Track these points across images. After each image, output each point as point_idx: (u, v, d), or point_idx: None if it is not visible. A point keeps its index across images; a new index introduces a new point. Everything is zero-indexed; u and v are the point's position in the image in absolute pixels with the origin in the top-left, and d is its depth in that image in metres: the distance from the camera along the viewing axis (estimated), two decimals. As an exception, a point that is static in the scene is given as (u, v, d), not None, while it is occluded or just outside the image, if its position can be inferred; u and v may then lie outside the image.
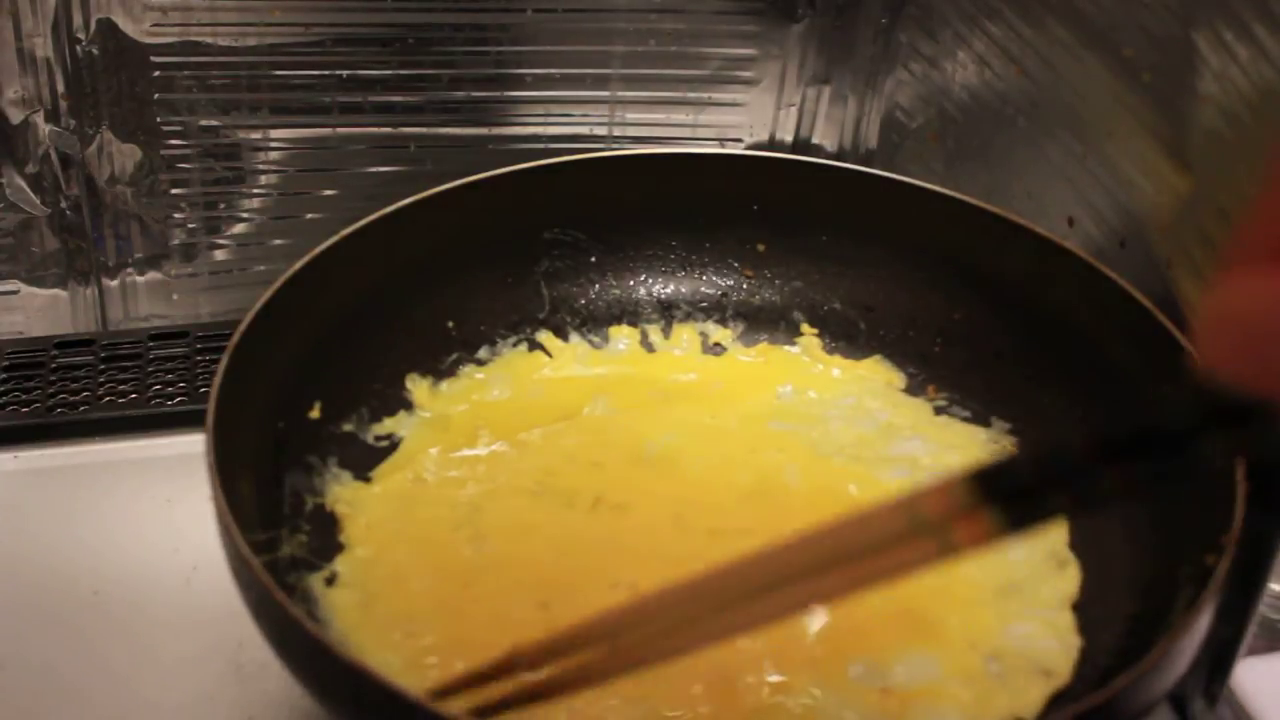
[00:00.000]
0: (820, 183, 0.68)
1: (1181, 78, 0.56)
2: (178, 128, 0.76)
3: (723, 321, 0.69)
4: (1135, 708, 0.44)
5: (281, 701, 0.55)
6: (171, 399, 0.71)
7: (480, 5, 0.77)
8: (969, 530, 0.33)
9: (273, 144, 0.78)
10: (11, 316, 0.78)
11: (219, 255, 0.80)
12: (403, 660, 0.50)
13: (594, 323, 0.68)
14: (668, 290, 0.69)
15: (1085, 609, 0.54)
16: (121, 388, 0.71)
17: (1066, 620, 0.53)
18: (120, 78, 0.73)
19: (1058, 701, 0.50)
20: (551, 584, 0.53)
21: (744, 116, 0.85)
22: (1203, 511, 0.50)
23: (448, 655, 0.50)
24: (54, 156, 0.74)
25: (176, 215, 0.78)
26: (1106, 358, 0.59)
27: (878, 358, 0.67)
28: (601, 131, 0.83)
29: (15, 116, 0.73)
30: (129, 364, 0.73)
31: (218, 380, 0.50)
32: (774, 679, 0.50)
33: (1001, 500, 0.32)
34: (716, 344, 0.69)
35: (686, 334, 0.69)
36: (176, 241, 0.79)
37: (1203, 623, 0.45)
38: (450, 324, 0.65)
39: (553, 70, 0.80)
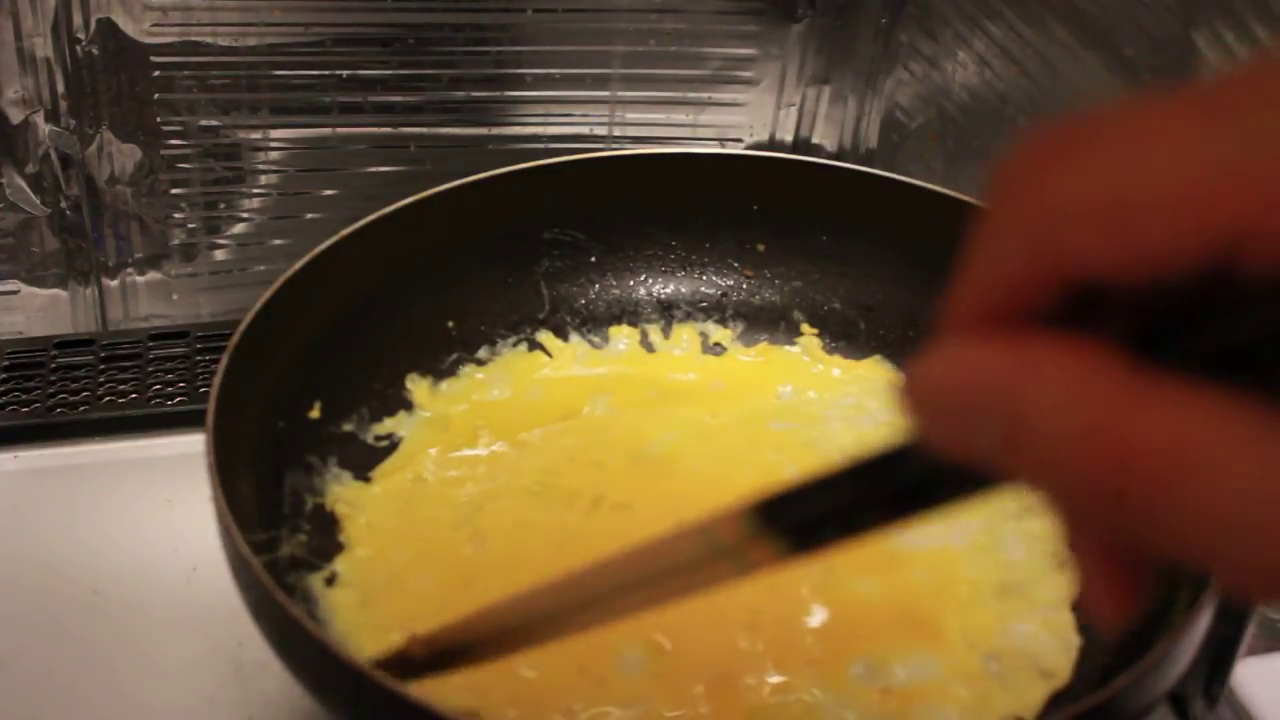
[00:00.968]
0: (820, 183, 0.68)
1: (1181, 77, 0.56)
2: (178, 128, 0.76)
3: (723, 321, 0.69)
4: (1135, 707, 0.44)
5: (281, 701, 0.55)
6: (171, 399, 0.71)
7: (480, 5, 0.77)
8: (761, 553, 0.34)
9: (273, 144, 0.78)
10: (11, 316, 0.78)
11: (219, 255, 0.80)
12: (403, 660, 0.50)
13: (594, 323, 0.68)
14: (668, 290, 0.69)
15: (1084, 608, 0.54)
16: (121, 388, 0.71)
17: (1066, 620, 0.53)
18: (120, 78, 0.73)
19: (1058, 701, 0.50)
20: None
21: (744, 116, 0.85)
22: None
23: (448, 655, 0.50)
24: (54, 156, 0.74)
25: (176, 215, 0.78)
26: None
27: (878, 358, 0.67)
28: (601, 131, 0.83)
29: (15, 116, 0.73)
30: (129, 364, 0.73)
31: (218, 380, 0.50)
32: (774, 679, 0.50)
33: (781, 530, 0.33)
34: (716, 344, 0.69)
35: (686, 334, 0.69)
36: (176, 241, 0.79)
37: (1203, 622, 0.45)
38: (450, 324, 0.65)
39: (553, 70, 0.80)
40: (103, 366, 0.73)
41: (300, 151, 0.79)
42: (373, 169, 0.80)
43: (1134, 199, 0.22)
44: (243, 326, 0.53)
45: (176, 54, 0.74)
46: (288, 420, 0.56)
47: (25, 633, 0.58)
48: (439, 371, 0.64)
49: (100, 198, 0.76)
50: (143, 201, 0.77)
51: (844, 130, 0.87)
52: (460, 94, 0.80)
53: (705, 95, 0.83)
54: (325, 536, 0.55)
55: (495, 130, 0.81)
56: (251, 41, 0.75)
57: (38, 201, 0.75)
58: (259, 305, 0.54)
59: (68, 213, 0.76)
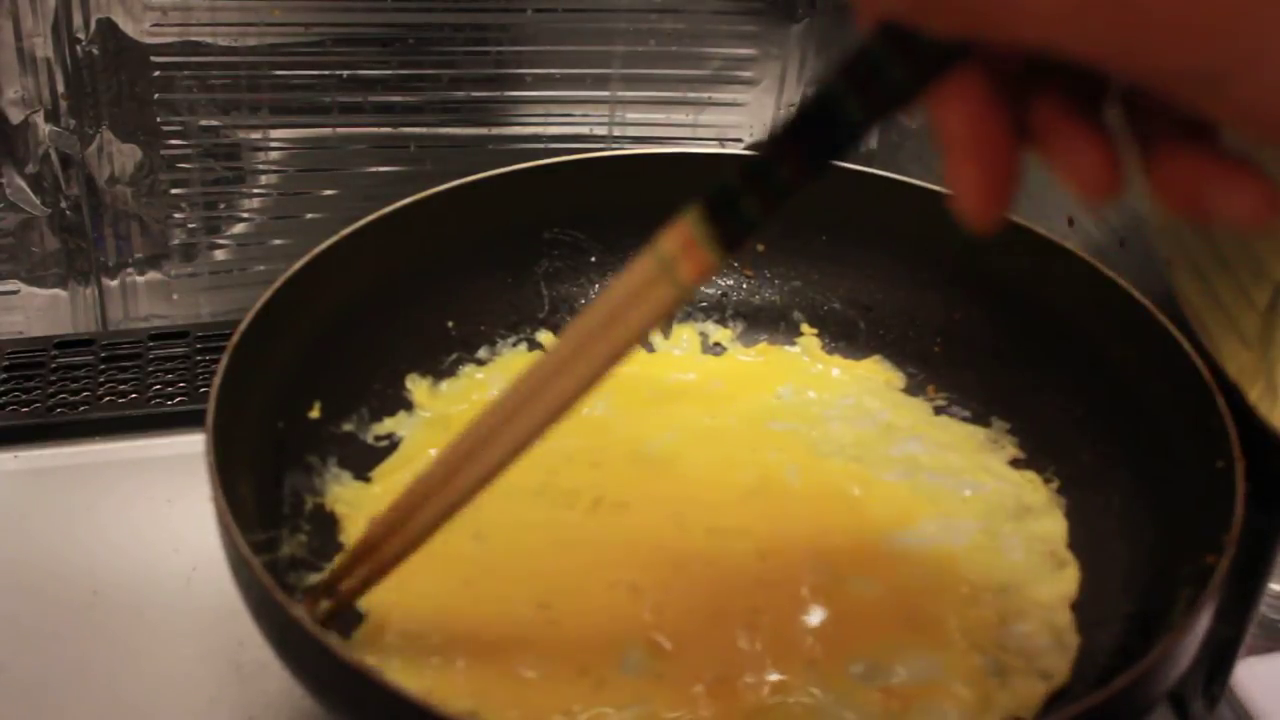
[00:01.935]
0: (820, 183, 0.68)
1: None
2: (178, 128, 0.76)
3: (722, 321, 0.69)
4: (1135, 707, 0.44)
5: (281, 701, 0.55)
6: (171, 399, 0.71)
7: (480, 5, 0.77)
8: (693, 261, 0.40)
9: (273, 144, 0.78)
10: (11, 316, 0.78)
11: (219, 255, 0.80)
12: (403, 660, 0.50)
13: None
14: None
15: (1084, 608, 0.54)
16: (121, 388, 0.71)
17: (1065, 620, 0.53)
18: (120, 78, 0.73)
19: (1057, 701, 0.50)
20: (552, 583, 0.53)
21: (744, 116, 0.85)
22: (1201, 511, 0.50)
23: (447, 655, 0.50)
24: (54, 156, 0.74)
25: (176, 215, 0.78)
26: (1105, 357, 0.59)
27: (877, 358, 0.67)
28: (601, 131, 0.83)
29: (15, 116, 0.73)
30: (129, 364, 0.73)
31: (217, 381, 0.50)
32: (774, 679, 0.50)
33: (714, 217, 0.39)
34: (716, 344, 0.69)
35: (686, 334, 0.69)
36: (176, 241, 0.79)
37: (1203, 622, 0.45)
38: (450, 324, 0.65)
39: (553, 70, 0.80)
40: (103, 366, 0.73)
41: (300, 151, 0.79)
42: (373, 169, 0.80)
43: None
44: (242, 327, 0.53)
45: (176, 54, 0.74)
46: (287, 420, 0.56)
47: (25, 633, 0.58)
48: (439, 371, 0.64)
49: (100, 198, 0.76)
50: (143, 201, 0.77)
51: (844, 130, 0.87)
52: (460, 94, 0.80)
53: (705, 95, 0.83)
54: (325, 537, 0.55)
55: (495, 130, 0.81)
56: (251, 41, 0.75)
57: (38, 201, 0.75)
58: (259, 305, 0.54)
59: (68, 213, 0.76)
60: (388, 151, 0.80)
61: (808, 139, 0.35)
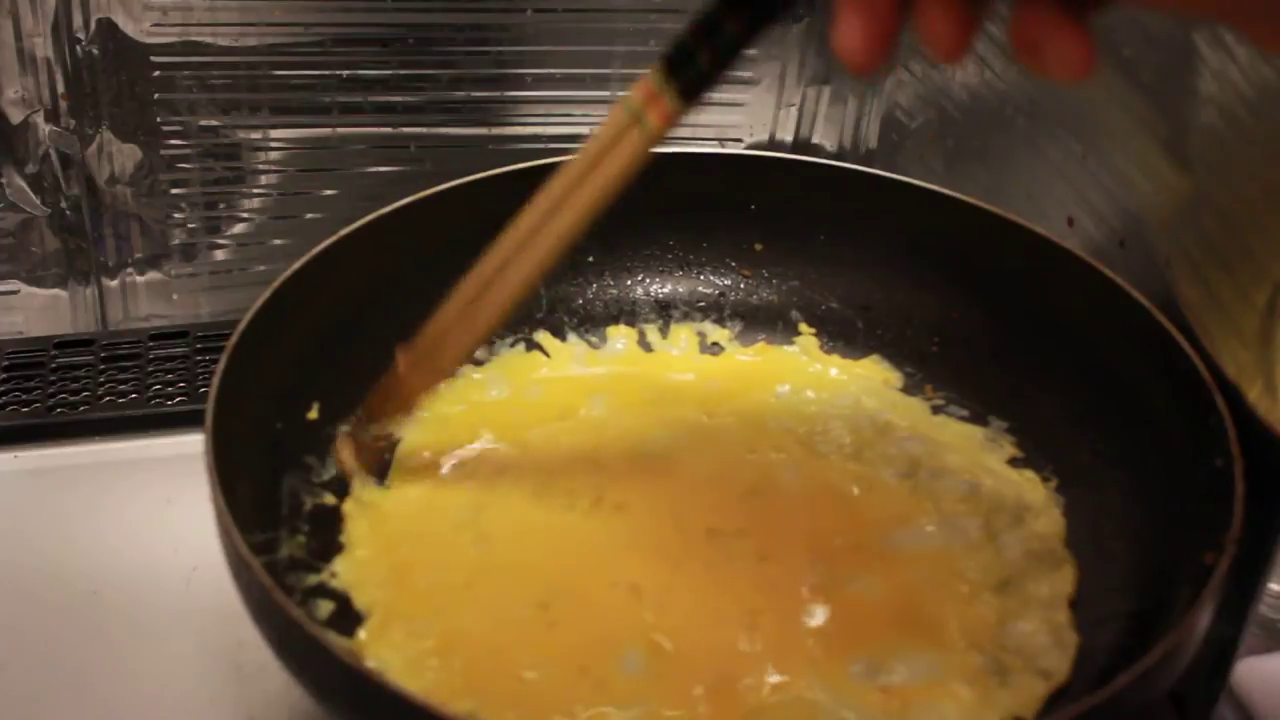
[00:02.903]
0: (818, 182, 0.68)
1: (1181, 77, 0.56)
2: (178, 128, 0.76)
3: (720, 321, 0.69)
4: (1136, 706, 0.44)
5: (281, 701, 0.55)
6: (171, 399, 0.71)
7: (480, 5, 0.77)
8: (658, 110, 0.47)
9: (273, 144, 0.78)
10: (11, 316, 0.78)
11: (219, 255, 0.80)
12: (403, 660, 0.50)
13: (591, 323, 0.68)
14: (665, 290, 0.69)
15: (1082, 607, 0.54)
16: (121, 388, 0.71)
17: (1064, 618, 0.53)
18: (120, 78, 0.73)
19: (1058, 700, 0.50)
20: (552, 584, 0.53)
21: (744, 116, 0.85)
22: (1200, 509, 0.50)
23: (448, 655, 0.50)
24: (54, 156, 0.74)
25: (176, 215, 0.78)
26: (1103, 355, 0.59)
27: (875, 357, 0.67)
28: (601, 131, 0.83)
29: (15, 116, 0.73)
30: (129, 364, 0.73)
31: (215, 382, 0.50)
32: (774, 679, 0.50)
33: (673, 71, 0.46)
34: (714, 343, 0.69)
35: (684, 334, 0.69)
36: (176, 241, 0.79)
37: (1203, 621, 0.45)
38: None
39: (553, 70, 0.80)
40: (103, 366, 0.73)
41: (300, 151, 0.79)
42: (373, 169, 0.80)
43: None
44: (240, 328, 0.53)
45: (176, 54, 0.74)
46: (286, 421, 0.56)
47: (25, 633, 0.58)
48: None
49: (100, 198, 0.76)
50: (143, 201, 0.77)
51: (844, 130, 0.87)
52: (460, 94, 0.80)
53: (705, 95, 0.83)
54: (324, 537, 0.55)
55: (495, 130, 0.81)
56: (251, 41, 0.75)
57: (38, 201, 0.75)
58: (257, 306, 0.54)
59: (68, 213, 0.76)
60: (388, 151, 0.80)
61: (749, 1, 0.43)
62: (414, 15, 0.77)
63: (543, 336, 0.67)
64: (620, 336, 0.68)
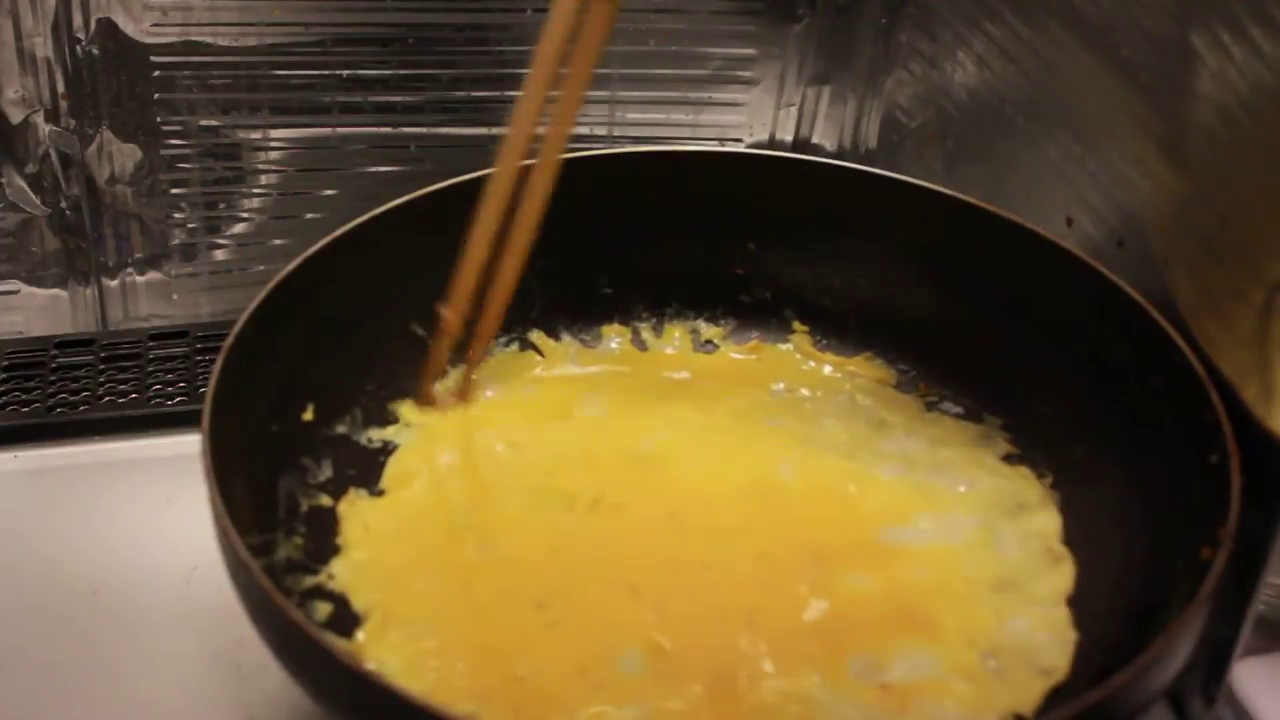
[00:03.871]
0: (808, 180, 0.67)
1: (1179, 78, 0.56)
2: (178, 128, 0.76)
3: (714, 319, 0.69)
4: (1135, 704, 0.44)
5: (281, 701, 0.55)
6: (171, 399, 0.71)
7: (480, 5, 0.77)
8: None
9: (273, 144, 0.78)
10: (11, 316, 0.78)
11: (219, 255, 0.80)
12: (402, 662, 0.50)
13: (585, 322, 0.68)
14: (658, 288, 0.69)
15: (1081, 604, 0.54)
16: (121, 388, 0.71)
17: (1062, 615, 0.53)
18: (120, 78, 0.73)
19: (1057, 697, 0.50)
20: (550, 585, 0.53)
21: (744, 116, 0.85)
22: (1196, 505, 0.50)
23: (447, 657, 0.50)
24: (54, 156, 0.74)
25: (176, 215, 0.78)
26: (1098, 352, 0.59)
27: (869, 354, 0.67)
28: (601, 131, 0.83)
29: (15, 116, 0.73)
30: (129, 364, 0.73)
31: (212, 385, 0.50)
32: (773, 678, 0.50)
33: None
34: (708, 341, 0.69)
35: (678, 332, 0.69)
36: (176, 241, 0.79)
37: (1202, 617, 0.45)
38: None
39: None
40: (103, 366, 0.73)
41: (300, 151, 0.79)
42: (373, 169, 0.80)
43: None
44: (236, 330, 0.53)
45: (176, 54, 0.74)
46: (281, 423, 0.56)
47: (25, 632, 0.58)
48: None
49: (100, 198, 0.76)
50: (143, 201, 0.77)
51: (844, 130, 0.87)
52: (460, 94, 0.80)
53: (705, 95, 0.83)
54: (321, 539, 0.55)
55: (495, 130, 0.81)
56: (251, 41, 0.75)
57: (38, 201, 0.75)
58: (252, 308, 0.54)
59: (68, 213, 0.76)
60: (388, 151, 0.80)
61: None
62: (414, 15, 0.77)
63: (537, 336, 0.67)
64: (614, 335, 0.68)
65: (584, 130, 0.82)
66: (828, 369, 0.67)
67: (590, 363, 0.67)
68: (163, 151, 0.76)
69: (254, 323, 0.54)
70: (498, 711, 0.48)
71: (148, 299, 0.80)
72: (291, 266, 0.56)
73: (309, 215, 0.80)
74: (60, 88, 0.73)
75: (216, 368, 0.51)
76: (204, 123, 0.76)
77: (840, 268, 0.68)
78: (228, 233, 0.80)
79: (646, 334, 0.69)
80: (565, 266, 0.67)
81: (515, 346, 0.67)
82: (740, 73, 0.83)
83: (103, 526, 0.63)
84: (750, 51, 0.82)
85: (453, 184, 0.62)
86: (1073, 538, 0.57)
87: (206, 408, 0.49)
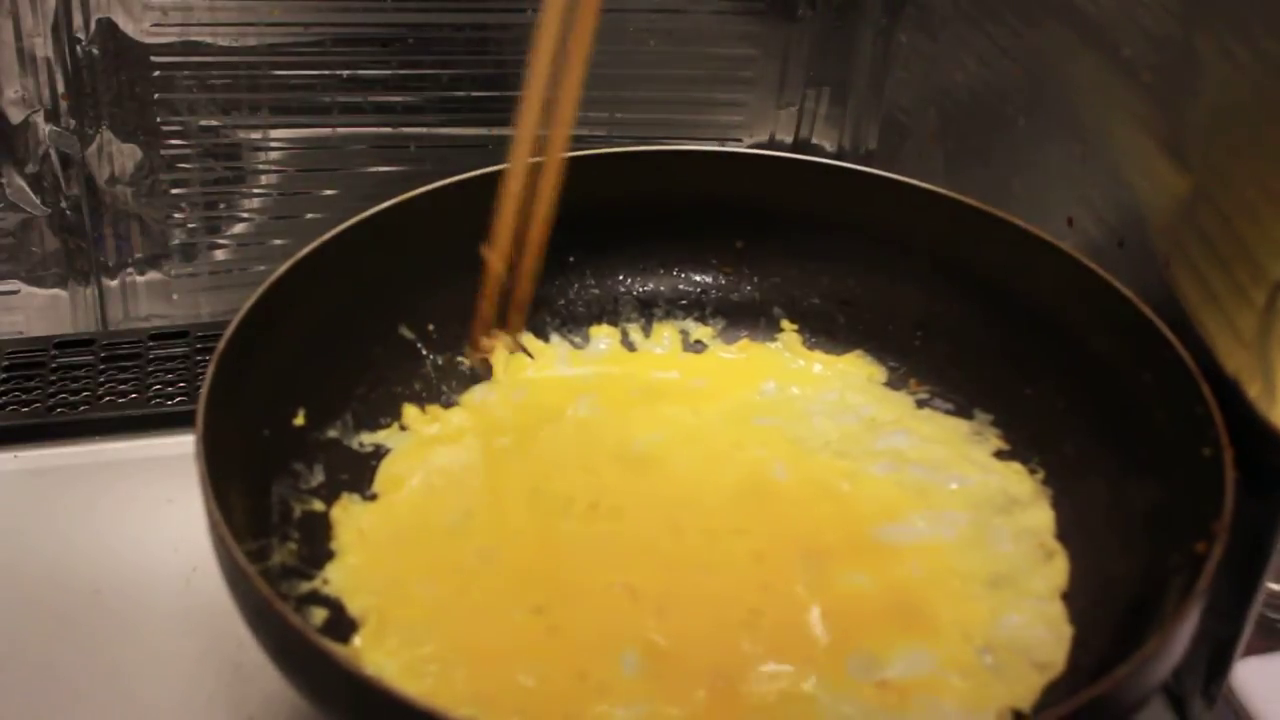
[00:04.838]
0: (795, 179, 0.67)
1: (1180, 78, 0.56)
2: (178, 128, 0.76)
3: (703, 319, 0.69)
4: (1134, 697, 0.44)
5: (281, 701, 0.55)
6: (171, 399, 0.71)
7: (480, 5, 0.77)
8: None
9: (273, 144, 0.78)
10: (11, 316, 0.78)
11: (219, 255, 0.80)
12: (399, 667, 0.50)
13: (574, 323, 0.68)
14: (647, 288, 0.69)
15: (1075, 598, 0.54)
16: (121, 388, 0.71)
17: (1057, 610, 0.53)
18: (120, 78, 0.73)
19: (1054, 691, 0.50)
20: (547, 588, 0.53)
21: (744, 116, 0.85)
22: (1189, 499, 0.50)
23: (445, 661, 0.50)
24: (54, 156, 0.74)
25: (176, 215, 0.78)
26: (1086, 346, 0.59)
27: (859, 352, 0.67)
28: (601, 131, 0.83)
29: (15, 116, 0.73)
30: (129, 364, 0.73)
31: (205, 390, 0.50)
32: (773, 677, 0.50)
33: None
34: (697, 341, 0.69)
35: (667, 332, 0.69)
36: (176, 241, 0.79)
37: (1198, 610, 0.45)
38: (430, 327, 0.64)
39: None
40: (103, 366, 0.73)
41: (300, 151, 0.79)
42: (373, 169, 0.80)
43: None
44: (228, 334, 0.53)
45: (176, 54, 0.74)
46: (273, 428, 0.56)
47: (26, 632, 0.58)
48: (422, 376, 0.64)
49: (100, 198, 0.76)
50: (143, 201, 0.77)
51: (844, 130, 0.87)
52: (460, 94, 0.80)
53: (705, 95, 0.83)
54: (315, 544, 0.55)
55: (495, 130, 0.81)
56: (251, 41, 0.75)
57: (38, 201, 0.75)
58: (243, 312, 0.54)
59: (68, 213, 0.76)
60: (388, 151, 0.80)
61: None
62: (414, 15, 0.77)
63: (526, 338, 0.67)
64: (603, 336, 0.68)
65: (583, 130, 0.82)
66: (818, 367, 0.67)
67: (580, 364, 0.67)
68: (163, 151, 0.76)
69: (245, 327, 0.54)
70: (498, 716, 0.48)
71: (148, 299, 0.80)
72: (279, 271, 0.56)
73: (309, 215, 0.80)
74: (60, 88, 0.73)
75: (209, 373, 0.51)
76: (204, 123, 0.76)
77: (825, 265, 0.68)
78: (228, 233, 0.80)
79: (635, 335, 0.69)
80: (552, 267, 0.66)
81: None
82: (740, 73, 0.83)
83: (103, 526, 0.63)
84: (750, 51, 0.82)
85: (446, 184, 0.62)
86: (1066, 533, 0.57)
87: (200, 413, 0.49)
